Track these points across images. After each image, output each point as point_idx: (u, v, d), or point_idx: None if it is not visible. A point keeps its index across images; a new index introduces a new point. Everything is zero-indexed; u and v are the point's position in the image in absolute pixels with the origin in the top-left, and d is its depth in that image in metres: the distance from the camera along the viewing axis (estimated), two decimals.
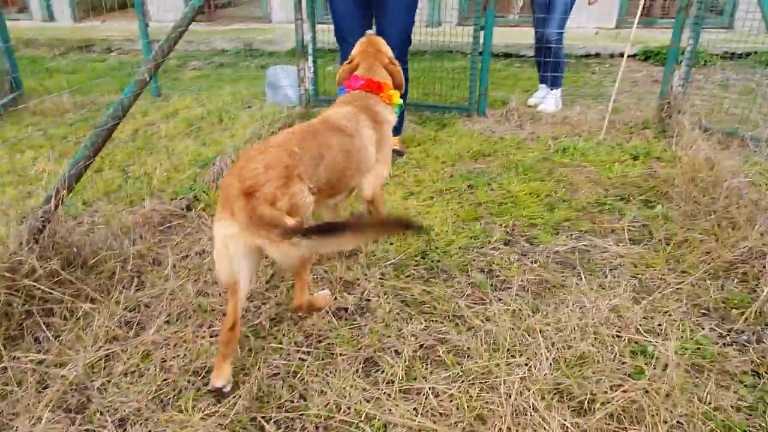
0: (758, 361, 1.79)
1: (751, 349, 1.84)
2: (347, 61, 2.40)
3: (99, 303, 2.06)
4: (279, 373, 1.81)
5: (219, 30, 8.09)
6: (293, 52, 6.98)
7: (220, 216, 1.67)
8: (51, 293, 1.99)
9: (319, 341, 1.96)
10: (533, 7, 4.37)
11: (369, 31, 2.67)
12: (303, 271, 1.87)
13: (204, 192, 2.97)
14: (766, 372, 1.74)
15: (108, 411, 1.66)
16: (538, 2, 4.26)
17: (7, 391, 1.71)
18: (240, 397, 1.70)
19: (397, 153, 3.51)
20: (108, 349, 1.89)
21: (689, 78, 3.95)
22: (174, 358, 1.87)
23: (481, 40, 4.07)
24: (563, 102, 4.57)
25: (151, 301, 2.14)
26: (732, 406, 1.61)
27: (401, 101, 2.39)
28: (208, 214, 2.79)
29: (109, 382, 1.77)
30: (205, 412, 1.65)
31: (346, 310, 2.13)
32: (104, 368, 1.82)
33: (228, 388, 1.71)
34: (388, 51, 2.45)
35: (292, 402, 1.70)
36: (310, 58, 4.43)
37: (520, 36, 6.78)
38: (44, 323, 1.94)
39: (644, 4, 3.90)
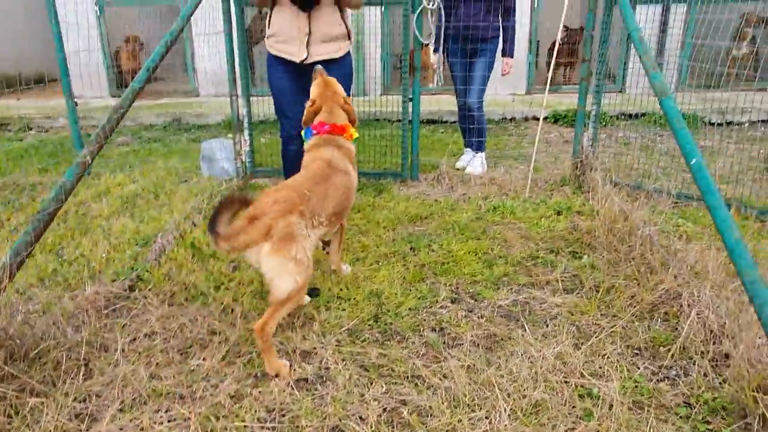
0: (688, 393, 1.98)
1: (680, 383, 2.04)
2: (309, 104, 2.77)
3: (46, 396, 1.96)
4: None
5: (146, 105, 8.06)
6: (224, 124, 7.09)
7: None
8: None
9: (283, 415, 1.96)
10: (454, 80, 4.76)
11: (318, 67, 2.91)
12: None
13: (147, 271, 2.92)
14: (695, 402, 1.93)
15: None
16: (458, 75, 4.65)
17: None
18: None
19: None
20: None
21: (596, 138, 4.41)
22: None
23: (410, 110, 4.36)
24: (488, 164, 4.92)
25: (101, 390, 2.06)
26: None
27: (357, 135, 2.85)
28: (154, 293, 2.74)
29: None
30: None
31: (306, 380, 2.15)
32: None
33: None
34: (341, 91, 2.82)
35: None
36: (246, 131, 4.53)
37: (442, 103, 7.26)
38: None
39: (543, 73, 4.37)
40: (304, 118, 2.79)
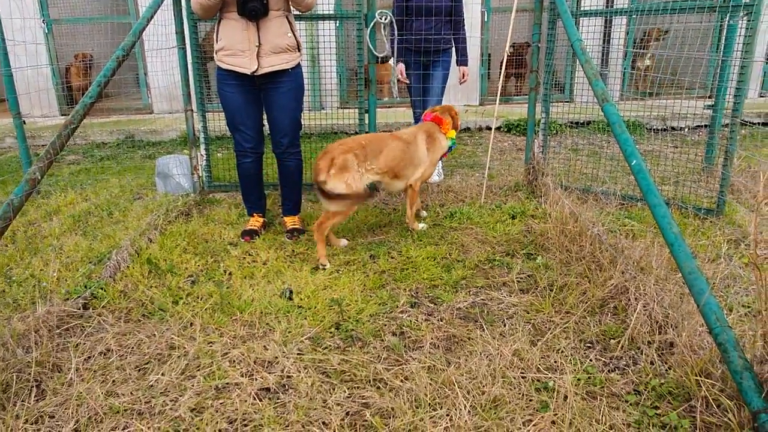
0: (637, 380, 2.08)
1: (630, 372, 2.14)
2: (430, 109, 3.82)
3: None
4: None
5: (98, 122, 7.87)
6: (178, 141, 6.99)
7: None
8: None
9: (245, 425, 1.95)
10: (410, 92, 4.85)
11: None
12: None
13: (101, 289, 2.85)
14: (644, 389, 2.03)
15: None
16: (415, 87, 4.75)
17: None
18: None
19: (299, 231, 3.64)
20: None
21: (547, 145, 4.57)
22: None
23: (367, 123, 4.42)
24: (444, 172, 5.02)
25: (55, 411, 2.00)
26: (623, 423, 1.86)
27: (454, 136, 3.74)
28: (109, 311, 2.68)
29: None
30: None
31: (268, 389, 2.14)
32: None
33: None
34: (456, 108, 3.84)
35: None
36: (202, 146, 4.50)
37: (398, 116, 7.37)
38: None
39: (495, 84, 4.53)
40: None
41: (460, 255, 3.28)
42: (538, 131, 4.55)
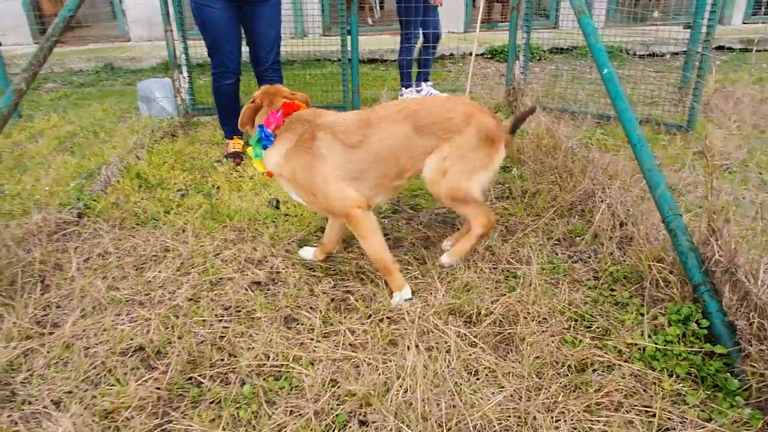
0: (596, 269, 2.28)
1: (591, 262, 2.33)
2: (250, 101, 2.28)
3: (6, 306, 2.04)
4: (205, 341, 1.94)
5: (74, 50, 7.67)
6: (159, 68, 6.88)
7: None
8: None
9: (239, 311, 2.12)
10: (407, 24, 4.78)
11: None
12: None
13: (94, 200, 2.95)
14: (602, 275, 2.23)
15: (36, 399, 1.69)
16: (415, 19, 4.72)
17: None
18: (171, 363, 1.81)
19: None
20: (25, 347, 1.89)
21: (527, 68, 4.62)
22: (97, 344, 1.92)
23: (349, 45, 4.42)
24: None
25: (60, 301, 2.15)
26: (581, 302, 2.06)
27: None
28: (103, 219, 2.80)
29: (32, 375, 1.79)
30: (139, 382, 1.75)
31: (259, 283, 2.31)
32: (24, 363, 1.83)
33: None
34: (285, 90, 2.33)
35: (223, 360, 1.85)
36: (185, 69, 4.48)
37: (381, 42, 7.30)
38: None
39: (484, 11, 4.54)
40: (240, 117, 2.27)
41: None
42: (518, 54, 4.58)
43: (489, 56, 7.12)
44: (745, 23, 8.62)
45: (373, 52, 7.16)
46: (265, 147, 2.19)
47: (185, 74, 4.50)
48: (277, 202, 2.96)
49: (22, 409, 1.65)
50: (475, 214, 2.17)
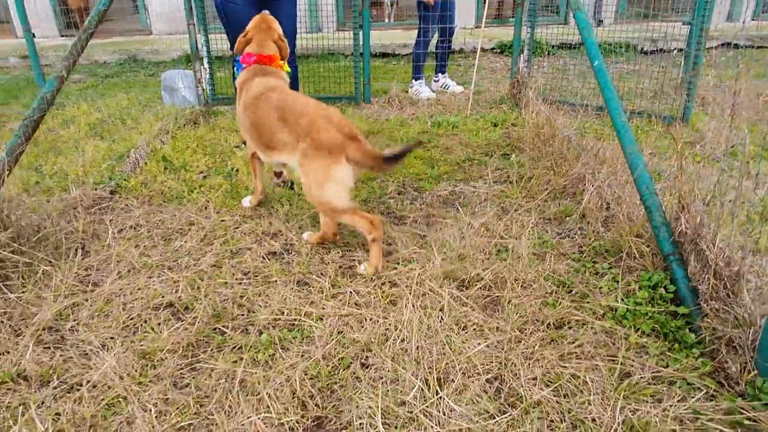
0: (581, 243, 2.49)
1: (576, 237, 2.55)
2: (243, 34, 2.82)
3: (53, 266, 2.31)
4: (227, 299, 2.20)
5: (98, 43, 8.00)
6: (180, 60, 7.17)
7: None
8: (5, 260, 2.22)
9: (256, 275, 2.37)
10: (430, 11, 4.98)
11: (264, 11, 2.98)
12: None
13: (125, 180, 3.23)
14: (586, 249, 2.44)
15: (83, 342, 1.96)
16: (441, 2, 4.93)
17: None
18: (198, 317, 2.07)
19: None
20: (71, 301, 2.16)
21: (532, 61, 4.82)
22: (133, 301, 2.19)
23: (361, 39, 4.65)
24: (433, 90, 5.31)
25: (99, 265, 2.42)
26: (564, 271, 2.28)
27: (289, 69, 2.88)
28: (134, 197, 3.07)
29: (78, 324, 2.06)
30: (170, 331, 2.01)
31: (274, 253, 2.56)
32: (71, 315, 2.10)
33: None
34: (278, 28, 2.87)
35: (243, 315, 2.10)
36: (206, 60, 4.74)
37: (394, 37, 7.51)
38: (3, 286, 2.17)
39: (492, 7, 4.73)
40: (235, 48, 2.83)
41: (444, 156, 3.63)
42: (523, 48, 4.78)
43: (499, 51, 7.30)
44: (754, 20, 8.69)
45: (385, 46, 7.38)
46: (238, 71, 2.82)
47: (206, 66, 4.77)
48: (292, 183, 3.21)
49: (72, 351, 1.92)
50: (353, 222, 2.33)
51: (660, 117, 4.11)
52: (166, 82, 4.98)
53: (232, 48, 3.76)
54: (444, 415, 1.60)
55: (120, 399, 1.69)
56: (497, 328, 1.96)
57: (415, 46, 5.15)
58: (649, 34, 7.09)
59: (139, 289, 2.26)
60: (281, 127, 2.42)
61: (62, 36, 8.48)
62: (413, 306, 2.06)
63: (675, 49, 7.24)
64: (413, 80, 5.30)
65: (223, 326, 2.04)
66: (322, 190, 2.30)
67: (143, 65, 7.13)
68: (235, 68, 2.89)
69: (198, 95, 4.80)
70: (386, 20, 8.62)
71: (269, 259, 2.49)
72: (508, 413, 1.61)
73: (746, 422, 1.50)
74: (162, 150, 3.66)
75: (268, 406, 1.64)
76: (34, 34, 4.68)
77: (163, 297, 2.20)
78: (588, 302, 2.07)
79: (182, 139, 3.91)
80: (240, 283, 2.30)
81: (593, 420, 1.57)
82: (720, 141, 3.57)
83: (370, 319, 2.02)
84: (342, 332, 1.97)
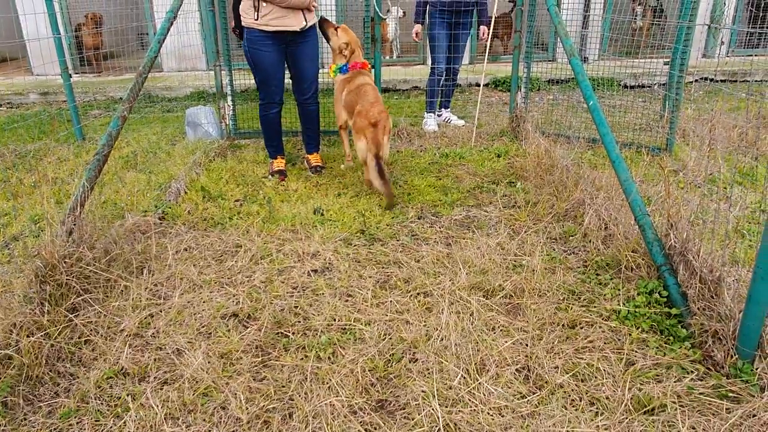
0: (585, 259, 2.87)
1: (581, 254, 2.93)
2: (345, 45, 4.18)
3: (128, 282, 2.64)
4: (284, 309, 2.53)
5: (111, 80, 8.39)
6: (192, 96, 7.58)
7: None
8: (91, 277, 2.54)
9: (304, 289, 2.71)
10: (435, 49, 5.41)
11: (342, 25, 4.27)
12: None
13: (170, 208, 3.57)
14: (590, 263, 2.82)
15: (166, 346, 2.27)
16: (442, 45, 5.35)
17: (83, 342, 2.26)
18: (262, 323, 2.40)
19: (321, 167, 4.35)
20: (148, 312, 2.48)
21: (528, 97, 5.29)
22: (201, 311, 2.51)
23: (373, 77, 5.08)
24: (438, 123, 5.75)
25: (165, 281, 2.75)
26: (572, 282, 2.65)
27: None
28: (181, 223, 3.41)
29: (158, 331, 2.37)
30: (240, 335, 2.33)
31: (316, 270, 2.90)
32: (150, 323, 2.42)
33: None
34: (359, 52, 4.28)
35: (300, 321, 2.44)
36: (229, 97, 5.14)
37: (394, 74, 8.00)
38: (91, 299, 2.48)
39: (489, 46, 5.21)
40: (346, 59, 4.23)
41: (455, 184, 4.03)
42: (520, 85, 5.25)
43: (493, 86, 7.82)
44: (728, 57, 9.35)
45: (387, 81, 7.85)
46: (341, 71, 4.27)
47: (230, 102, 5.16)
48: (322, 210, 3.57)
49: (159, 352, 2.23)
50: (367, 161, 3.80)
51: (648, 148, 4.55)
52: (189, 118, 5.35)
53: (258, 89, 4.16)
54: (485, 395, 1.94)
55: (212, 389, 2.01)
56: (521, 328, 2.32)
57: (429, 83, 5.60)
58: (631, 70, 7.67)
59: (204, 301, 2.59)
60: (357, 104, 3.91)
61: (77, 73, 8.87)
62: (448, 312, 2.41)
63: (656, 83, 7.84)
64: (425, 113, 5.72)
65: (285, 331, 2.37)
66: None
67: (157, 101, 7.52)
68: (341, 70, 4.25)
69: (221, 130, 5.17)
70: (387, 56, 9.14)
71: (313, 275, 2.83)
72: (537, 394, 1.95)
73: (730, 394, 1.86)
74: (199, 180, 4.01)
75: (338, 392, 1.97)
76: (71, 75, 5.06)
77: (227, 308, 2.53)
78: (595, 306, 2.44)
79: (215, 170, 4.27)
80: (291, 296, 2.64)
81: (607, 398, 1.92)
82: (700, 170, 4.02)
83: (412, 323, 2.37)
84: (389, 334, 2.31)
